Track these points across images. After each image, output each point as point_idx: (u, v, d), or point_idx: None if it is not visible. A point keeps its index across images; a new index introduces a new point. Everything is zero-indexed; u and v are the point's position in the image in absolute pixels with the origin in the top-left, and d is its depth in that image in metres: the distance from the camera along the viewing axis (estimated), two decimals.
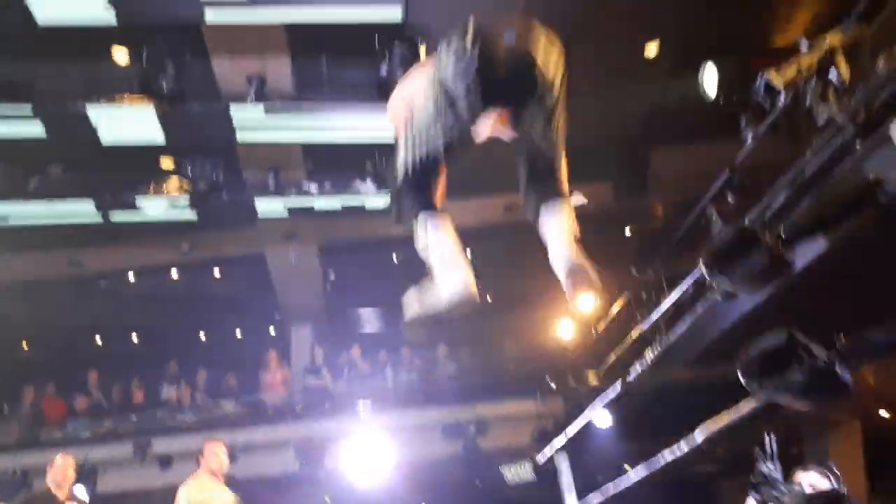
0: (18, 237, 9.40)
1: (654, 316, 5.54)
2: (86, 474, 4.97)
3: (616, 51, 7.21)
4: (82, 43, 7.80)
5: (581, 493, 6.07)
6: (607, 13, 6.81)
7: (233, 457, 8.46)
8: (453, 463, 8.41)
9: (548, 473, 6.18)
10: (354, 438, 7.87)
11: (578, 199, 3.76)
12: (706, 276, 2.92)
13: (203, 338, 12.52)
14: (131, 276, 11.47)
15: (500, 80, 2.02)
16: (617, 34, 7.08)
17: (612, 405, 5.78)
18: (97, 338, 12.52)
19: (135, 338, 12.55)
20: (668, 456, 4.58)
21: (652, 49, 7.62)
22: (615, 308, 6.88)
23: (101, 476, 7.86)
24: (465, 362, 9.37)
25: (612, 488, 4.83)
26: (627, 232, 8.11)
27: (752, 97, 4.37)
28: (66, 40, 7.43)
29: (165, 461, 8.61)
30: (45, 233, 9.45)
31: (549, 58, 2.07)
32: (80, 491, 4.71)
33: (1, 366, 11.36)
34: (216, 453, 4.73)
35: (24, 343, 12.28)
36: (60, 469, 4.58)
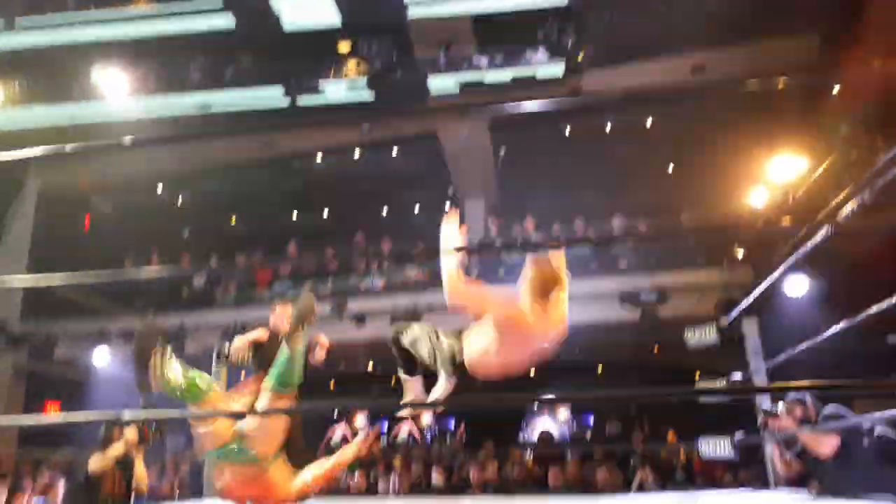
0: (220, 123, 10.35)
1: (866, 175, 5.04)
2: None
3: None
4: None
5: (768, 357, 5.91)
6: None
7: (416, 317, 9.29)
8: (631, 327, 8.48)
9: (733, 338, 6.04)
10: None
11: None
12: None
13: (385, 212, 13.34)
14: (318, 157, 12.33)
15: None
16: None
17: (809, 269, 5.47)
18: (293, 213, 13.79)
19: (325, 213, 13.66)
20: (872, 311, 4.22)
21: None
22: (819, 171, 6.36)
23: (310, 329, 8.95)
24: (644, 230, 9.20)
25: (802, 349, 4.57)
26: (836, 89, 7.28)
27: None
28: None
29: (360, 319, 9.53)
30: (242, 119, 10.31)
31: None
32: None
33: (215, 236, 12.94)
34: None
35: (232, 218, 13.84)
36: (281, 316, 5.14)
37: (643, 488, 7.55)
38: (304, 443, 5.06)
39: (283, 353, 3.24)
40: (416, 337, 3.20)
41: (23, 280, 4.87)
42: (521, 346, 2.92)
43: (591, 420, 12.84)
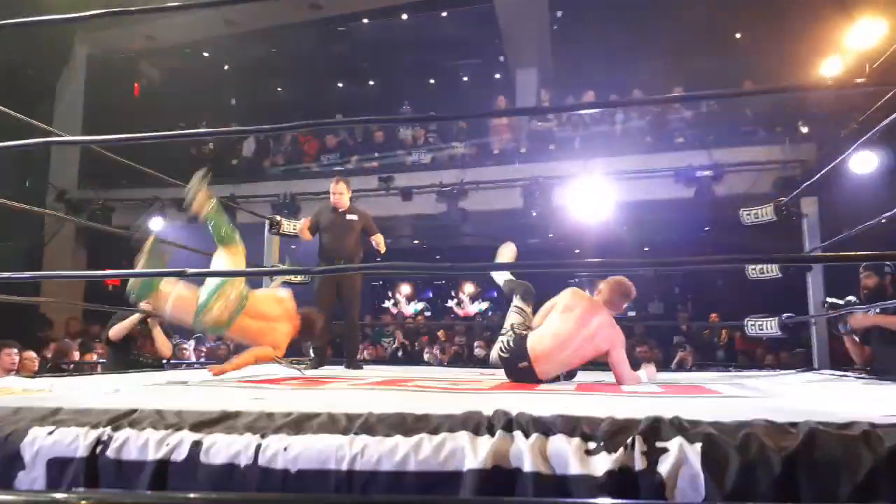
0: None
1: None
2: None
3: None
4: None
5: (827, 239, 5.69)
6: None
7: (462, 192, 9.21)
8: (684, 205, 8.27)
9: (790, 218, 5.80)
10: (579, 179, 7.94)
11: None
12: None
13: (432, 82, 12.94)
14: (365, 20, 11.86)
15: None
16: None
17: (879, 146, 5.10)
18: (340, 82, 13.51)
19: (371, 82, 13.35)
20: None
21: None
22: None
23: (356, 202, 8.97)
24: (703, 106, 8.71)
25: (862, 230, 4.32)
26: None
27: None
28: None
29: (406, 193, 9.50)
30: None
31: None
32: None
33: (261, 105, 12.85)
34: None
35: (278, 87, 13.67)
36: (340, 191, 5.10)
37: (683, 367, 7.63)
38: (359, 311, 5.31)
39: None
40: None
41: (80, 140, 4.95)
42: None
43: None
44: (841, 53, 6.82)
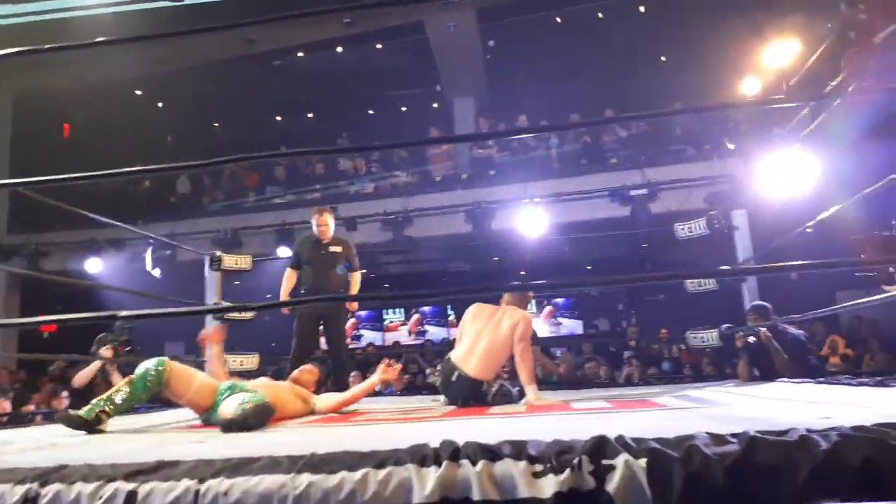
0: (196, 18, 9.83)
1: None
2: None
3: None
4: None
5: (757, 248, 5.92)
6: None
7: (407, 220, 9.24)
8: (621, 223, 8.46)
9: (722, 231, 6.02)
10: (519, 203, 8.06)
11: None
12: None
13: (371, 112, 12.98)
14: (301, 54, 11.84)
15: None
16: None
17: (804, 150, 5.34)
18: (278, 116, 13.41)
19: (310, 115, 13.29)
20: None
21: None
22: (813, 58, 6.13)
23: (297, 235, 8.87)
24: (633, 127, 9.00)
25: (791, 239, 4.55)
26: None
27: None
28: None
29: (351, 223, 9.45)
30: (218, 12, 9.78)
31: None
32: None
33: (199, 142, 12.62)
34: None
35: (215, 122, 13.48)
36: (323, 221, 5.02)
37: (630, 382, 7.75)
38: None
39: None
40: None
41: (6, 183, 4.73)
42: None
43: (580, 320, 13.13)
44: (758, 73, 7.17)
